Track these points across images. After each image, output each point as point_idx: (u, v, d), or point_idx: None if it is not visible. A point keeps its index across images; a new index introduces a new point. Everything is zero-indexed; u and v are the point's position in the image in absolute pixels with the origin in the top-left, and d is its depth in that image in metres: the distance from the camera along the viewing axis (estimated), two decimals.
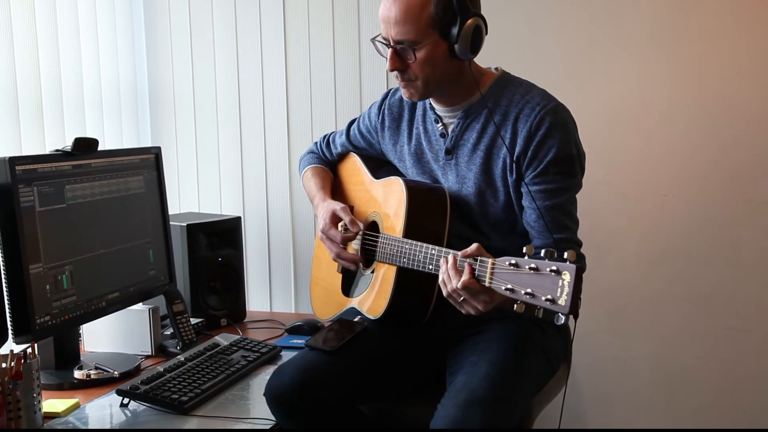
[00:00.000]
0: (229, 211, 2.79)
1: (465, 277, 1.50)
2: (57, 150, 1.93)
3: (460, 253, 1.53)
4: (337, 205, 1.96)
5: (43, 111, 2.31)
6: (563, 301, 1.32)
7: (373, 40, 1.77)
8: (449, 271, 1.53)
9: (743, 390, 2.46)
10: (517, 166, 1.74)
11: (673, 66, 2.41)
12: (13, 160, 1.77)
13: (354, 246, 1.97)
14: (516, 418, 1.66)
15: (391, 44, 1.72)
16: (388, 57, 1.73)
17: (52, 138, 2.32)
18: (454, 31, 1.68)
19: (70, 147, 1.92)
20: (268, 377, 1.75)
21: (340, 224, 1.94)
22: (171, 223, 2.28)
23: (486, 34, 1.73)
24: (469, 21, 1.68)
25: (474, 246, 1.52)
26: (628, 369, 2.56)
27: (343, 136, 2.14)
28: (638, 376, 2.56)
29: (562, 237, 1.71)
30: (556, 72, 2.46)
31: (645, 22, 2.42)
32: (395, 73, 1.76)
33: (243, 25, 2.75)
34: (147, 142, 2.83)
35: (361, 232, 1.95)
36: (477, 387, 1.57)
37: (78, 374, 1.90)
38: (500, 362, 1.65)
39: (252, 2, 2.73)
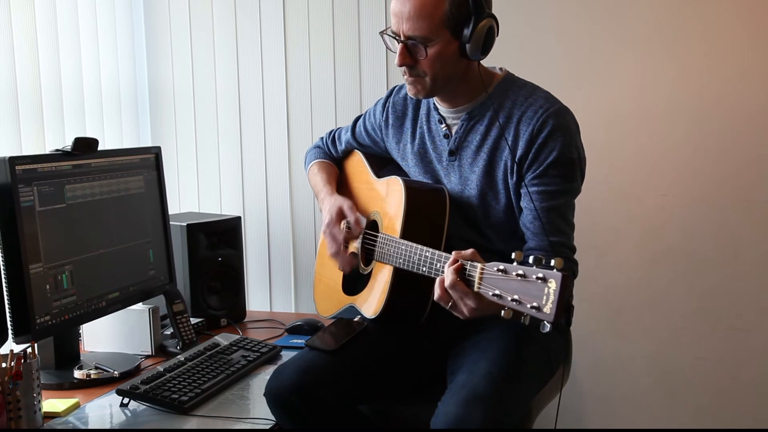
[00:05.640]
0: (229, 211, 2.79)
1: (451, 277, 1.48)
2: (57, 150, 1.93)
3: (454, 253, 1.52)
4: (344, 202, 1.95)
5: (43, 111, 2.30)
6: (548, 309, 1.31)
7: (382, 33, 1.77)
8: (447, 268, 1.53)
9: (743, 390, 2.46)
10: (518, 168, 1.74)
11: (674, 66, 2.41)
12: (13, 160, 1.77)
13: (355, 244, 1.97)
14: (516, 416, 1.66)
15: (402, 39, 1.72)
16: (398, 52, 1.72)
17: (52, 138, 2.32)
18: (467, 31, 1.68)
19: (70, 147, 1.92)
20: (268, 377, 1.75)
21: (343, 222, 1.94)
22: (171, 223, 2.28)
23: (497, 35, 1.73)
24: (483, 22, 1.68)
25: (470, 251, 1.51)
26: (628, 369, 2.56)
27: (349, 133, 2.13)
28: (638, 376, 2.56)
29: (556, 241, 1.71)
30: (557, 71, 2.47)
31: (646, 22, 2.42)
32: (403, 68, 1.76)
33: (243, 25, 2.75)
34: (147, 142, 2.83)
35: (362, 231, 1.95)
36: (478, 385, 1.57)
37: (78, 374, 1.90)
38: (501, 361, 1.65)
39: (252, 2, 2.73)
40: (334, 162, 2.20)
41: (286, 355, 2.08)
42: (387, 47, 1.78)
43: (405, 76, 1.78)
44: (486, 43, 1.70)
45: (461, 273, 1.48)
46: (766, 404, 2.45)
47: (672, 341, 2.51)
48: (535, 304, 1.32)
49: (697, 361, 2.49)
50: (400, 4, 1.70)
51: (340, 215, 1.94)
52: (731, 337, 2.46)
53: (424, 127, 1.91)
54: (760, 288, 2.42)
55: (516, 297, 1.36)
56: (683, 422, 2.52)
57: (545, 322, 1.32)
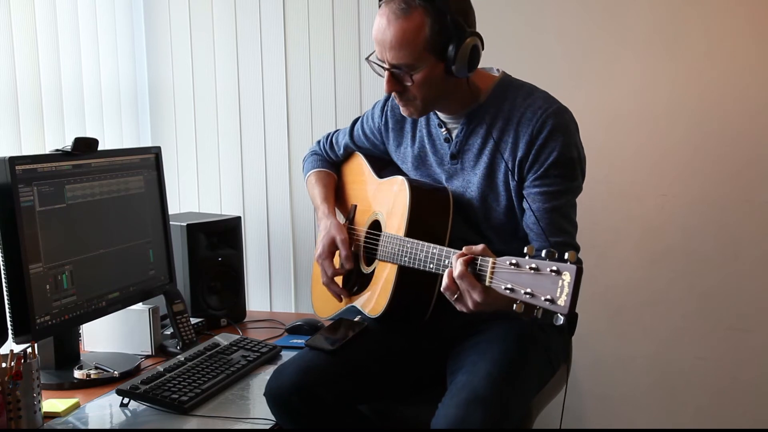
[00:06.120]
0: (229, 211, 2.79)
1: (461, 268, 1.49)
2: (57, 150, 1.93)
3: (464, 248, 1.52)
4: (339, 234, 1.95)
5: (43, 111, 2.30)
6: (563, 301, 1.32)
7: (368, 59, 1.75)
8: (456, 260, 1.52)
9: (743, 390, 2.46)
10: (519, 170, 1.74)
11: (674, 66, 2.41)
12: (13, 160, 1.77)
13: (358, 241, 1.98)
14: (517, 417, 1.66)
15: (387, 67, 1.71)
16: (385, 80, 1.72)
17: (52, 138, 2.32)
18: (451, 52, 1.66)
19: (70, 147, 1.92)
20: (268, 377, 1.75)
21: (336, 254, 1.96)
22: (171, 223, 2.28)
23: (482, 49, 1.71)
24: (467, 41, 1.66)
25: (480, 246, 1.51)
26: (628, 369, 2.56)
27: (347, 137, 2.13)
28: (638, 376, 2.56)
29: (560, 240, 1.70)
30: (557, 72, 2.47)
31: (646, 22, 2.42)
32: (393, 93, 1.75)
33: (243, 25, 2.75)
34: (147, 142, 2.83)
35: (364, 232, 1.96)
36: (478, 386, 1.57)
37: (78, 374, 1.90)
38: (501, 361, 1.65)
39: (252, 2, 2.73)
40: (333, 166, 2.19)
41: (286, 355, 2.08)
42: (375, 72, 1.76)
43: (396, 100, 1.78)
44: (471, 61, 1.68)
45: (471, 266, 1.48)
46: (766, 404, 2.45)
47: (672, 341, 2.51)
48: (549, 296, 1.33)
49: (697, 361, 2.49)
50: (381, 32, 1.68)
51: (332, 246, 1.96)
52: (731, 337, 2.46)
53: (424, 131, 1.91)
54: (760, 288, 2.42)
55: (529, 290, 1.36)
56: (683, 422, 2.52)
57: (559, 314, 1.33)
